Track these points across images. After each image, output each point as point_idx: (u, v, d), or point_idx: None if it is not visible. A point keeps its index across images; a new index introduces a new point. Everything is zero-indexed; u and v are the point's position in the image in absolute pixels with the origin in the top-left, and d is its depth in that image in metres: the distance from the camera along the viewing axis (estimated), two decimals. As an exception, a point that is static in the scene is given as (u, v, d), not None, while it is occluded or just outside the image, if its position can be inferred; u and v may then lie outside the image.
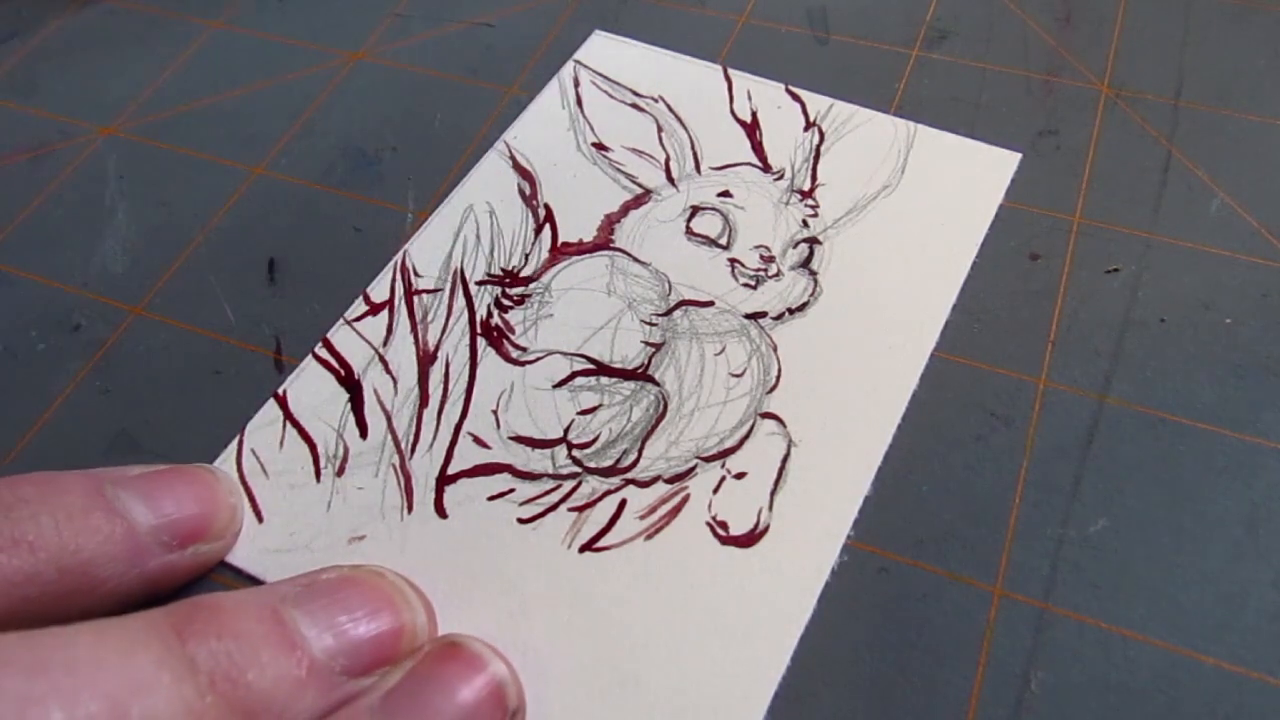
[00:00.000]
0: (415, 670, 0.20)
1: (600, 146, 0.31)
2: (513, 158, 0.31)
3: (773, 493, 0.24)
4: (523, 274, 0.28)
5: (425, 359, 0.27)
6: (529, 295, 0.28)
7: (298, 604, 0.20)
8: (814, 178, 0.30)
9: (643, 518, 0.24)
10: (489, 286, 0.28)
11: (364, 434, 0.25)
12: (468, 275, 0.28)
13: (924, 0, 0.35)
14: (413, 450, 0.25)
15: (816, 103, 0.32)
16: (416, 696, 0.19)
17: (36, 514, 0.20)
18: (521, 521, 0.24)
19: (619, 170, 0.31)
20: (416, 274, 0.28)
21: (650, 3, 0.36)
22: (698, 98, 0.32)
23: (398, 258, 0.29)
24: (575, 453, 0.25)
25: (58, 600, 0.20)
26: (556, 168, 0.31)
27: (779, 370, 0.26)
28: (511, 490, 0.24)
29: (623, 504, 0.24)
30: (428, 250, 0.29)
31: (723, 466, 0.25)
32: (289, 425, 0.26)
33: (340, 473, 0.25)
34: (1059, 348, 0.26)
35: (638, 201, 0.30)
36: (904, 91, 0.32)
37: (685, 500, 0.24)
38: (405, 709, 0.19)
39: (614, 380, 0.26)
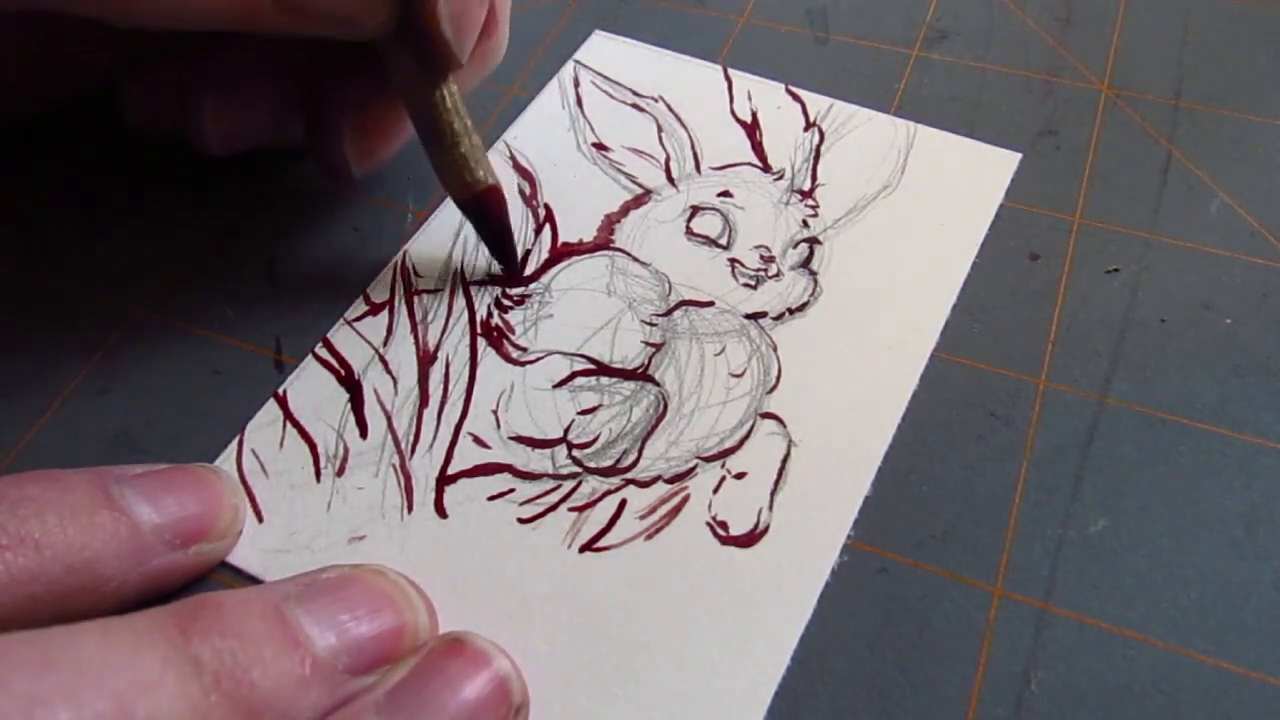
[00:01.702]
0: (419, 666, 0.20)
1: (600, 146, 0.31)
2: (513, 158, 0.31)
3: (773, 493, 0.24)
4: (523, 274, 0.28)
5: (425, 359, 0.27)
6: (529, 295, 0.28)
7: (300, 602, 0.20)
8: (814, 178, 0.30)
9: (643, 518, 0.24)
10: (489, 286, 0.28)
11: (364, 434, 0.25)
12: (468, 275, 0.28)
13: (924, 0, 0.35)
14: (413, 450, 0.25)
15: (816, 103, 0.32)
16: (421, 692, 0.19)
17: (42, 512, 0.20)
18: (521, 521, 0.24)
19: (619, 170, 0.31)
20: (416, 274, 0.28)
21: (650, 3, 0.36)
22: (698, 98, 0.32)
23: (398, 258, 0.29)
24: (575, 453, 0.25)
25: (63, 599, 0.20)
26: (556, 168, 0.31)
27: (779, 370, 0.26)
28: (511, 490, 0.24)
29: (623, 504, 0.24)
30: (428, 250, 0.29)
31: (723, 466, 0.25)
32: (289, 425, 0.26)
33: (340, 473, 0.25)
34: (1059, 348, 0.26)
35: (638, 201, 0.30)
36: (904, 91, 0.32)
37: (685, 500, 0.24)
38: (410, 705, 0.19)
39: (614, 380, 0.26)
